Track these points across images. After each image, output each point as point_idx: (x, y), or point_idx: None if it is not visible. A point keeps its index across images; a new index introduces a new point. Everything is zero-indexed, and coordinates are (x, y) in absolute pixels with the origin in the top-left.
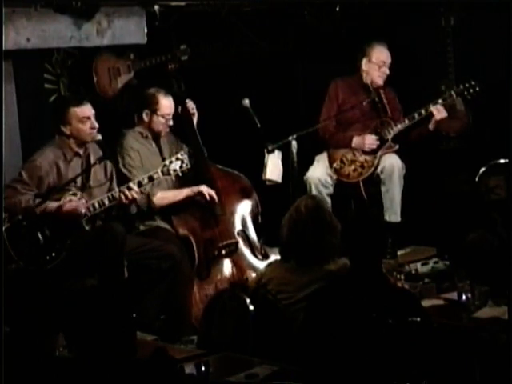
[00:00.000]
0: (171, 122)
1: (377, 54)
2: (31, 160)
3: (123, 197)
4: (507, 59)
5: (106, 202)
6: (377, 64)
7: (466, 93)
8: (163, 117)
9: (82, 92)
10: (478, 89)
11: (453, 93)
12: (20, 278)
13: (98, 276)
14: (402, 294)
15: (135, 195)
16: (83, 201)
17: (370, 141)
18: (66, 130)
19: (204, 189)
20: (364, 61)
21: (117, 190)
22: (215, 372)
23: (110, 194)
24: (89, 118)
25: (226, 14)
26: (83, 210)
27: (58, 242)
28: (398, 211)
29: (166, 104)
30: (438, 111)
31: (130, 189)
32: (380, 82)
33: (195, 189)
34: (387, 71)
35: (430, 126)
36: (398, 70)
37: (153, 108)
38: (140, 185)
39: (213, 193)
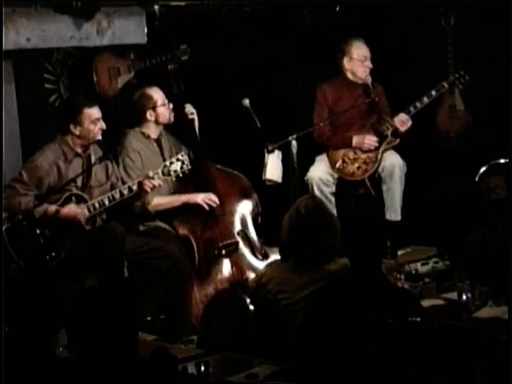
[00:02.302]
0: (171, 105)
1: (357, 51)
2: (31, 160)
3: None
4: (507, 59)
5: (106, 202)
6: (359, 60)
7: (456, 82)
8: (164, 105)
9: (82, 92)
10: (467, 78)
11: (444, 83)
12: (20, 277)
13: (97, 276)
14: (402, 293)
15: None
16: (85, 211)
17: (370, 141)
18: (76, 131)
19: (200, 200)
20: (345, 59)
21: (117, 190)
22: (215, 372)
23: (110, 194)
24: (99, 119)
25: (226, 13)
26: (82, 219)
27: (58, 241)
28: (399, 210)
29: (159, 95)
30: (402, 122)
31: (130, 189)
32: (365, 76)
33: (192, 199)
34: (370, 65)
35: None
36: (398, 69)
37: (152, 105)
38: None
39: (211, 200)
